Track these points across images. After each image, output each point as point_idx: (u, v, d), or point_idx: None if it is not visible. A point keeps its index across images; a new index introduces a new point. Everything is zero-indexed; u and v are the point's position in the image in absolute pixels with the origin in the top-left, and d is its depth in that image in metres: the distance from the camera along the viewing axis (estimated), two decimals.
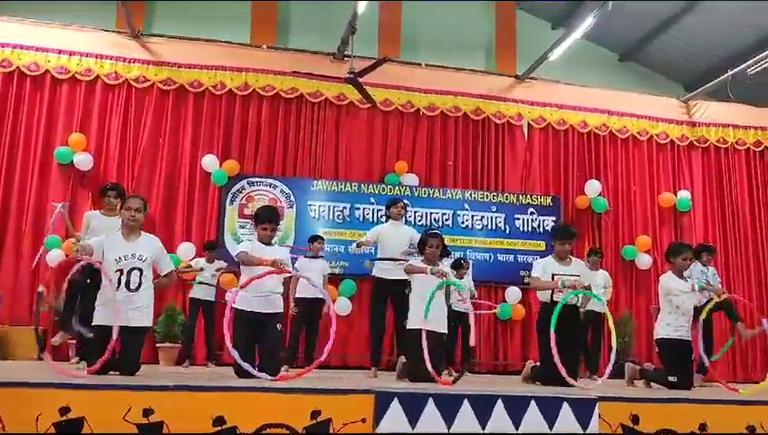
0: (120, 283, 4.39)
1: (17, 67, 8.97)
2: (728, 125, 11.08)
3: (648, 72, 11.62)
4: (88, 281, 5.59)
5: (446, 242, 5.59)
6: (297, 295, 7.25)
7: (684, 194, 10.64)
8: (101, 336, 4.24)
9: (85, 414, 2.91)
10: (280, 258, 4.65)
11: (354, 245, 6.77)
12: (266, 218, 4.95)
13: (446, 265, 6.38)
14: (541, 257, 6.22)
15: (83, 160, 8.83)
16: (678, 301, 5.56)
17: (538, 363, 5.40)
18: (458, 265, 7.82)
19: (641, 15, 10.34)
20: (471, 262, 8.63)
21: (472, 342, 4.92)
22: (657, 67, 11.61)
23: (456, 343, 7.91)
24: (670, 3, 9.94)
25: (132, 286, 4.42)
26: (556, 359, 4.51)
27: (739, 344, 6.97)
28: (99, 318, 4.45)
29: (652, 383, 5.73)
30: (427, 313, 4.73)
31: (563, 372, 4.52)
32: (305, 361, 7.19)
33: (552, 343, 4.53)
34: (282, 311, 4.96)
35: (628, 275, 10.28)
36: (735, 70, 9.86)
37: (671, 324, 5.58)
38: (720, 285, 7.36)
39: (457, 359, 8.10)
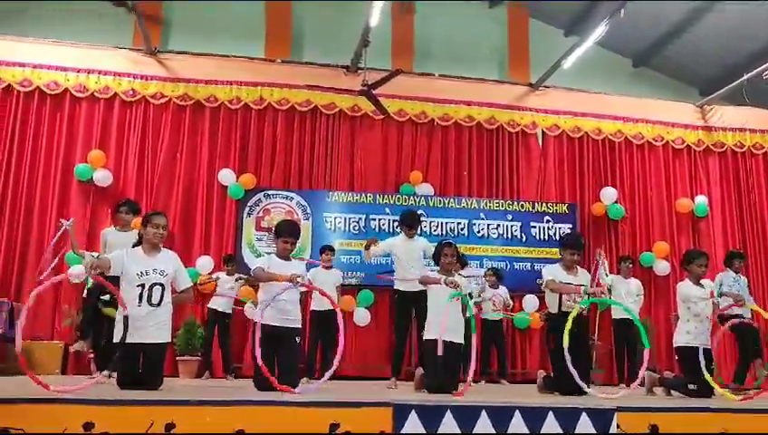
0: (141, 298, 4.42)
1: (37, 86, 9.15)
2: (745, 129, 11.03)
3: (662, 77, 11.55)
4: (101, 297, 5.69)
5: (462, 251, 5.60)
6: (311, 308, 7.29)
7: (701, 199, 10.57)
8: (124, 352, 4.28)
9: (109, 429, 2.94)
10: (296, 273, 4.64)
11: (363, 248, 6.74)
12: (288, 233, 4.98)
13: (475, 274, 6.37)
14: None
15: (103, 177, 8.97)
16: (697, 308, 5.52)
17: (551, 374, 5.38)
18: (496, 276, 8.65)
19: (654, 21, 10.30)
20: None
21: None
22: (671, 72, 11.54)
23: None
24: (683, 7, 9.90)
25: (154, 301, 4.45)
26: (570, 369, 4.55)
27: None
28: (120, 334, 4.43)
29: (672, 392, 5.70)
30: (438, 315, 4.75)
31: (577, 378, 4.57)
32: (323, 373, 7.21)
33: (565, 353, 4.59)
34: (300, 326, 4.99)
35: (646, 282, 10.11)
36: (751, 74, 9.78)
37: (690, 332, 5.54)
38: (750, 294, 7.27)
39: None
